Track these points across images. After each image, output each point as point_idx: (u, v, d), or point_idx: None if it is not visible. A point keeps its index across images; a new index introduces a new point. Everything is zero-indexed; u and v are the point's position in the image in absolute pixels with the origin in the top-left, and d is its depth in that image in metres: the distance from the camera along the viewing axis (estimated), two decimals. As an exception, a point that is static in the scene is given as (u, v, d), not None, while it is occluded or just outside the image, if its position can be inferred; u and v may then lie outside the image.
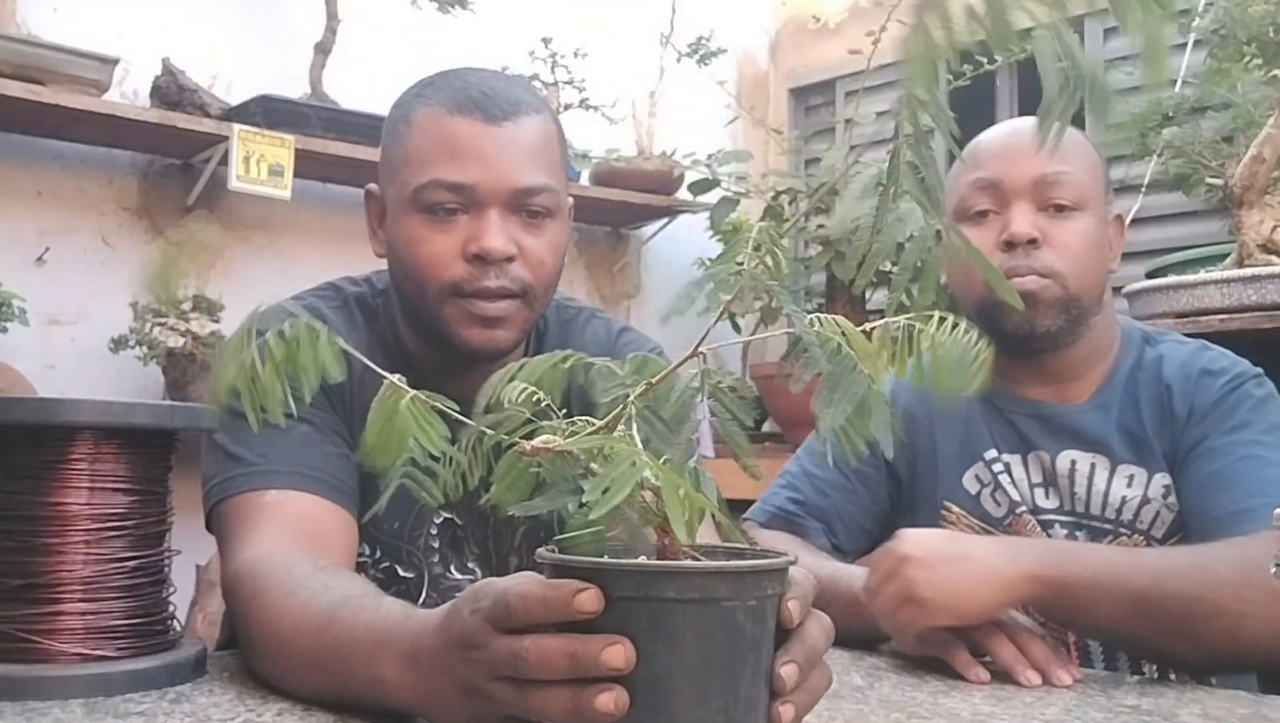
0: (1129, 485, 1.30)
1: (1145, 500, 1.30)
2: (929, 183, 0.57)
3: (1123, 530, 1.30)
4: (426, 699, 0.74)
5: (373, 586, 0.94)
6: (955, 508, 1.37)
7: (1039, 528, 1.33)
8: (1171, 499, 1.29)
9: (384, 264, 1.26)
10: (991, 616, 1.06)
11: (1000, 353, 1.31)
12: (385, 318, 1.22)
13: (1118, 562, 1.07)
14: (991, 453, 1.36)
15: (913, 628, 1.06)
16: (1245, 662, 1.05)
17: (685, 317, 0.69)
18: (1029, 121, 1.36)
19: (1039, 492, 1.34)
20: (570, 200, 1.19)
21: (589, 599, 0.63)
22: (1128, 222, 1.41)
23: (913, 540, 1.07)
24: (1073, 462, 1.33)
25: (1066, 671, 1.04)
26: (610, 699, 0.63)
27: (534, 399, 0.73)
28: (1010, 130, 1.36)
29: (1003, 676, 1.05)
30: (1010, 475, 1.35)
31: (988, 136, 1.36)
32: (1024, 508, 1.34)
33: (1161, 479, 1.29)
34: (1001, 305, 1.26)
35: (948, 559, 1.04)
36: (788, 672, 0.66)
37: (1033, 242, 1.27)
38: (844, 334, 0.67)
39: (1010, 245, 1.28)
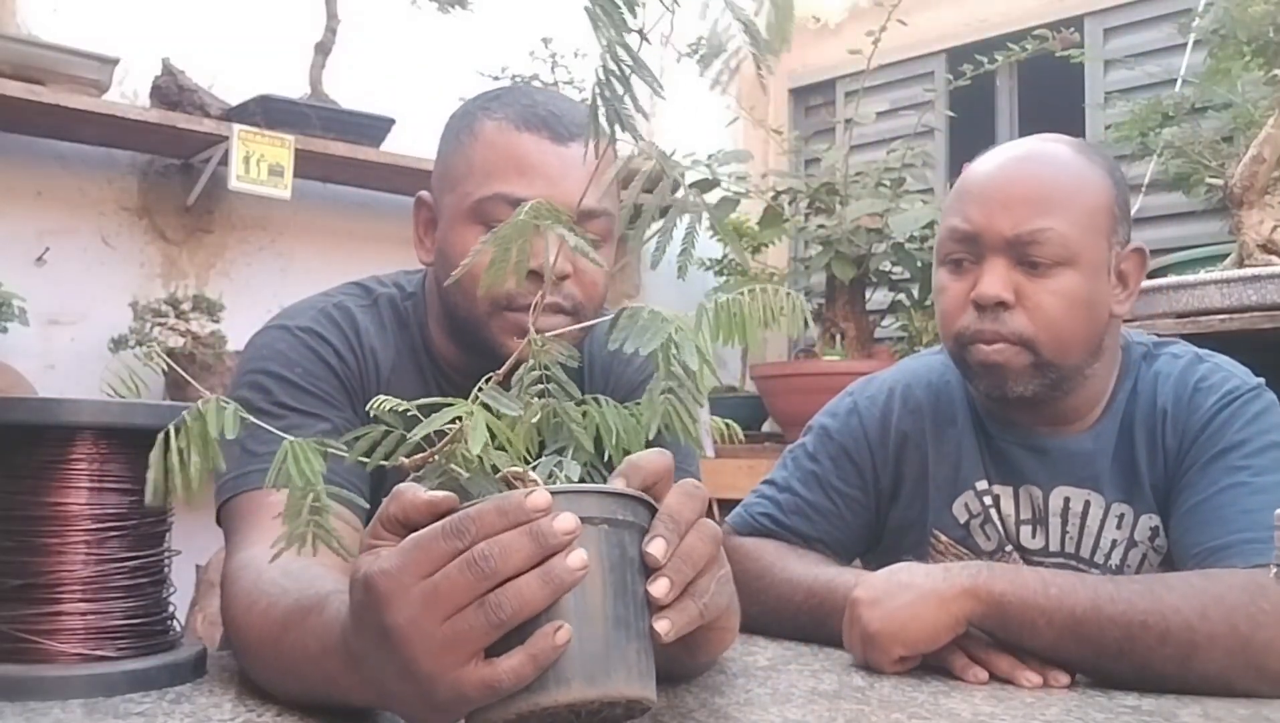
0: (1118, 526, 1.25)
1: (1132, 543, 1.24)
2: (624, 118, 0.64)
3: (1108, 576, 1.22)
4: (380, 695, 0.72)
5: (330, 582, 0.91)
6: (943, 537, 1.32)
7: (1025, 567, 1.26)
8: (1159, 541, 1.23)
9: (389, 266, 1.26)
10: (942, 637, 1.04)
11: None
12: (415, 322, 1.22)
13: (1058, 583, 1.03)
14: (983, 484, 1.30)
15: (878, 665, 1.05)
16: (1194, 692, 1.00)
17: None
18: (1024, 153, 1.25)
19: (1025, 530, 1.29)
20: (617, 228, 1.20)
21: (543, 498, 0.65)
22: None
23: (862, 584, 1.09)
24: (1066, 499, 1.27)
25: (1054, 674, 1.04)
26: (580, 554, 0.65)
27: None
28: (995, 170, 1.24)
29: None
30: (999, 509, 1.30)
31: (977, 174, 1.26)
32: (1010, 547, 1.28)
33: (1148, 521, 1.24)
34: (969, 366, 1.23)
35: (890, 592, 1.05)
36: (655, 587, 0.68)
37: (1003, 304, 1.19)
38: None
39: (979, 305, 1.20)
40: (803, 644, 1.19)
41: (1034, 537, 1.29)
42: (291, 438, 0.74)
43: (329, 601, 0.80)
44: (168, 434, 0.74)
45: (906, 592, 1.04)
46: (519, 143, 1.12)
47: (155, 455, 0.74)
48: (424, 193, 1.21)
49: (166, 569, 0.98)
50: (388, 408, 0.75)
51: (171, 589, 0.98)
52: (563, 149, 1.13)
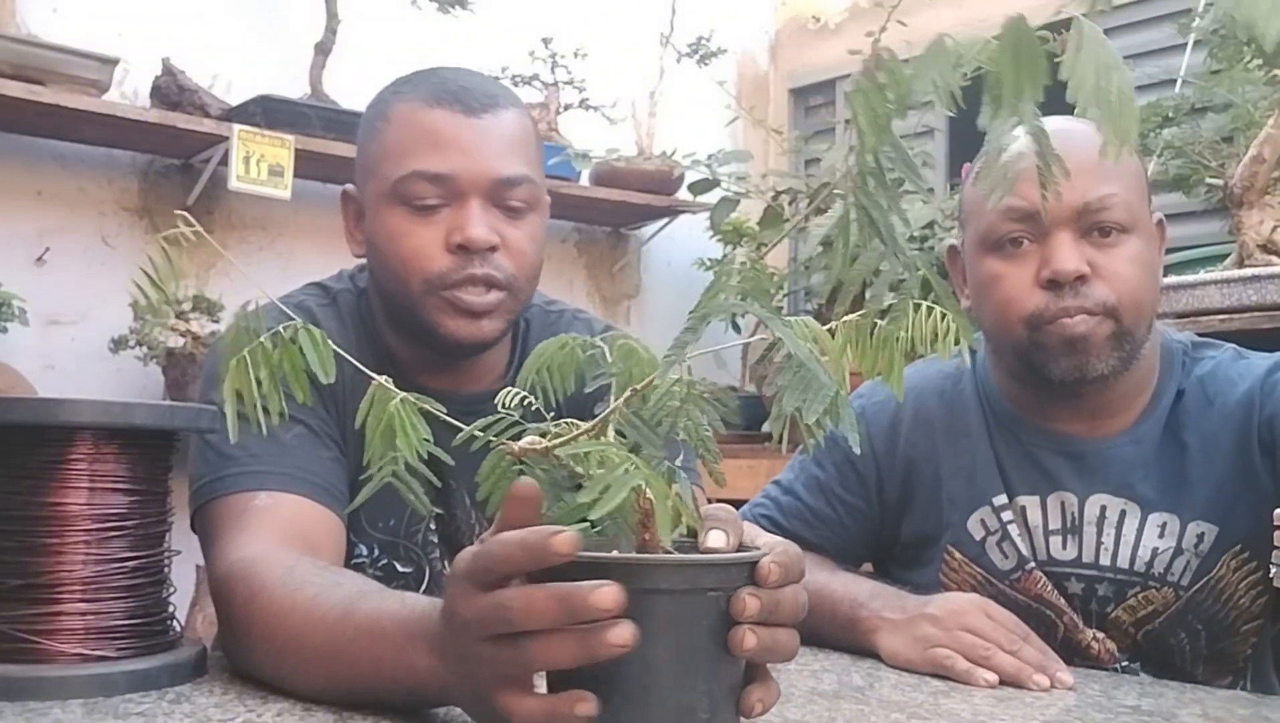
0: (1160, 535, 1.20)
1: (1178, 551, 1.19)
2: (885, 229, 0.59)
3: (1151, 583, 1.21)
4: (460, 688, 0.73)
5: (364, 579, 0.93)
6: (957, 555, 1.28)
7: (1049, 585, 1.24)
8: (1203, 547, 1.19)
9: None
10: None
11: (1030, 387, 1.23)
12: (368, 317, 1.21)
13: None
14: (1001, 499, 1.25)
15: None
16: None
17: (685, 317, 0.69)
18: (1060, 125, 1.12)
19: (1055, 541, 1.24)
20: (548, 198, 1.19)
21: (565, 542, 0.63)
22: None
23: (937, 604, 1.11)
24: (1102, 508, 1.22)
25: (1063, 672, 1.04)
26: (625, 631, 0.62)
27: (524, 402, 0.75)
28: None
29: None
30: (1024, 523, 1.25)
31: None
32: (1033, 564, 1.24)
33: (1195, 528, 1.19)
34: (1047, 349, 1.17)
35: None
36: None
37: (1080, 277, 1.15)
38: (814, 337, 0.69)
39: (1054, 283, 1.15)
40: (802, 644, 1.19)
41: (1065, 548, 1.24)
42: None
43: (402, 591, 0.82)
44: (242, 363, 0.71)
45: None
46: (430, 118, 1.11)
47: (228, 390, 0.71)
48: (349, 186, 1.20)
49: (166, 569, 0.98)
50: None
51: (171, 589, 0.98)
52: (476, 120, 1.11)
